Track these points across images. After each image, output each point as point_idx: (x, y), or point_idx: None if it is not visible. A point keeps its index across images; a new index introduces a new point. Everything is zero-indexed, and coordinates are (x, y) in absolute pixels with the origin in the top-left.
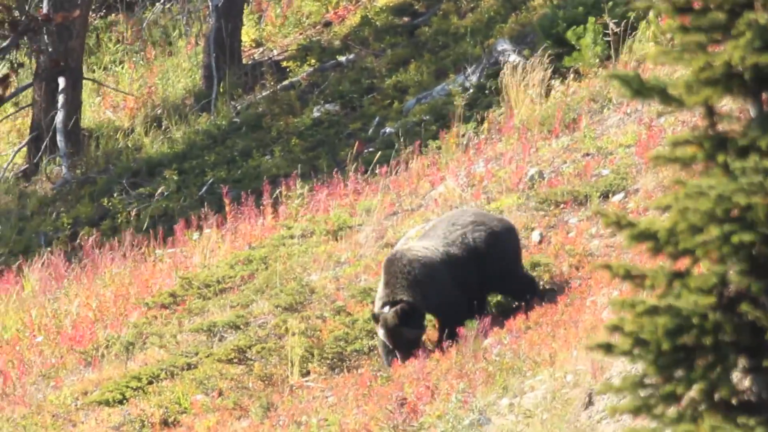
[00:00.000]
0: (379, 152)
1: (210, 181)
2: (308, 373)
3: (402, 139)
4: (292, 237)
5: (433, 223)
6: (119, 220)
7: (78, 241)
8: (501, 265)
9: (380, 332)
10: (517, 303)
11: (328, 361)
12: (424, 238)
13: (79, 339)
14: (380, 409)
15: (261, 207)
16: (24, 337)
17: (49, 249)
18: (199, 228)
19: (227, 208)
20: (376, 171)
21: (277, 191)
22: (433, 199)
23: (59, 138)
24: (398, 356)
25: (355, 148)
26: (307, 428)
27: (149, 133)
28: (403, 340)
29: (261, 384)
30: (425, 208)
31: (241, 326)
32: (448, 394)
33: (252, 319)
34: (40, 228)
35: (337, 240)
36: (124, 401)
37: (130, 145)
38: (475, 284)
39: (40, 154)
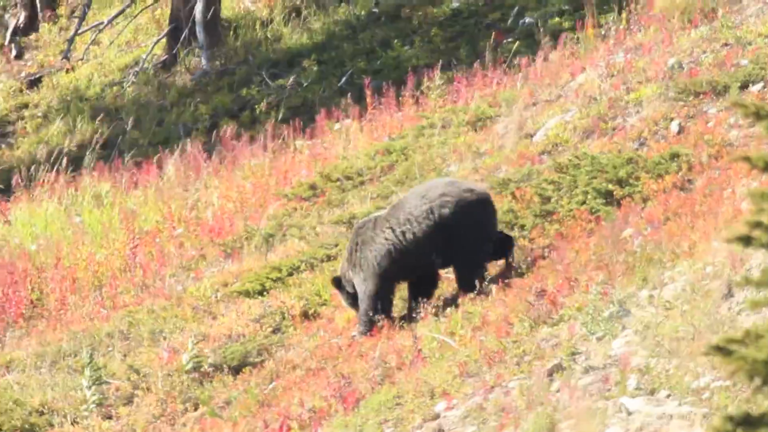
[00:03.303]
0: (518, 42)
1: (349, 71)
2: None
3: (541, 30)
4: (431, 128)
5: (406, 195)
6: (258, 111)
7: (217, 132)
8: (463, 242)
9: None
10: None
11: None
12: (393, 212)
13: (219, 231)
14: (520, 301)
15: (400, 98)
16: (164, 229)
17: (188, 140)
18: (338, 119)
19: (368, 99)
20: (516, 61)
21: (422, 84)
22: (573, 89)
23: (198, 29)
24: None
25: (494, 38)
26: (449, 319)
27: (288, 23)
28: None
29: None
30: (565, 99)
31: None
32: (587, 286)
33: None
34: (179, 119)
35: (476, 131)
36: (264, 293)
37: (269, 36)
38: (439, 259)
39: (179, 45)
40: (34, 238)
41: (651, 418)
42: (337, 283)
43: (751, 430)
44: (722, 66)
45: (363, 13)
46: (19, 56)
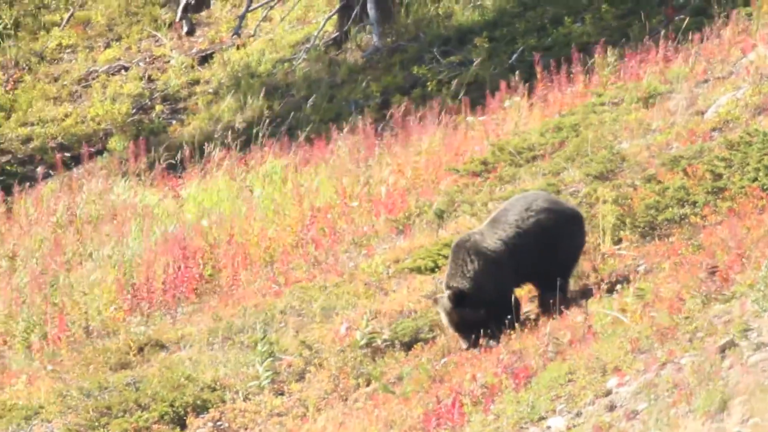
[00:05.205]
0: (690, 19)
1: (520, 48)
2: (620, 241)
3: (714, 6)
4: (602, 104)
5: (504, 207)
6: (430, 88)
7: (388, 109)
8: (565, 254)
9: (441, 315)
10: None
11: (639, 230)
12: (496, 225)
13: (391, 207)
14: (692, 277)
15: (571, 74)
16: (336, 205)
17: (359, 117)
18: (509, 96)
19: (538, 76)
20: (687, 38)
21: (589, 60)
22: (744, 66)
23: (369, 6)
24: (461, 341)
25: (666, 14)
26: (621, 296)
27: (460, 0)
28: (461, 322)
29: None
30: (736, 76)
31: (552, 194)
32: (759, 263)
33: (563, 187)
34: (350, 96)
35: (647, 107)
36: (436, 269)
37: (440, 13)
38: (540, 269)
39: (350, 22)
40: (206, 213)
41: None
42: (460, 298)
43: None
44: None
45: None
46: (190, 33)
